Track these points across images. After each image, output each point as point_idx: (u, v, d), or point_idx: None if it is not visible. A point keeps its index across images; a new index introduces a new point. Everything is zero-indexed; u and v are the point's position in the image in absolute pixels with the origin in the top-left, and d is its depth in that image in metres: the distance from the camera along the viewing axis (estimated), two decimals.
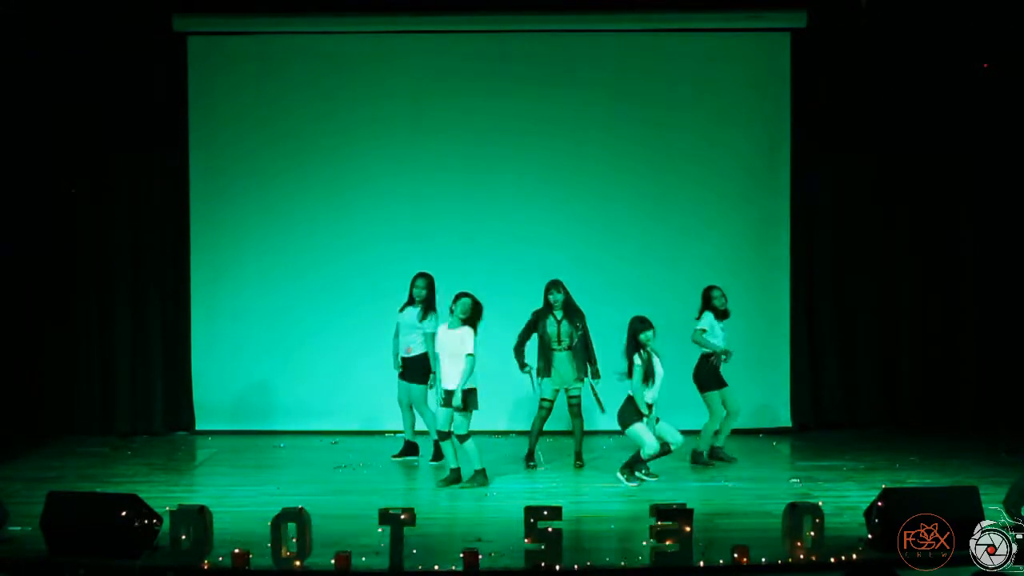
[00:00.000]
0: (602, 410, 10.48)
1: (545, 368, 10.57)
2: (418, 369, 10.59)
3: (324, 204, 12.46)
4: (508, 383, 11.35)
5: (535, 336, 10.66)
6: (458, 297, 9.79)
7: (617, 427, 11.51)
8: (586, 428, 10.81)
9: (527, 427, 11.06)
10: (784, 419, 12.43)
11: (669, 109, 12.44)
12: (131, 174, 12.35)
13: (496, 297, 12.08)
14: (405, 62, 12.41)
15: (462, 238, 12.40)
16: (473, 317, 9.71)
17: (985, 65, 12.21)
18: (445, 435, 9.51)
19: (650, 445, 9.62)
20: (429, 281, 10.75)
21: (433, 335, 10.30)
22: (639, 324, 9.87)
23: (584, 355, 10.52)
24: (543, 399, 10.61)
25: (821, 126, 12.42)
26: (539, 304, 10.72)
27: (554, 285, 10.58)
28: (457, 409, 9.58)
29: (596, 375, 10.51)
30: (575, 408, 10.61)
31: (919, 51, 12.29)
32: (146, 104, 12.24)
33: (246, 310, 12.45)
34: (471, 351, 9.63)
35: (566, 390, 10.59)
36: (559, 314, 10.54)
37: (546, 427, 10.76)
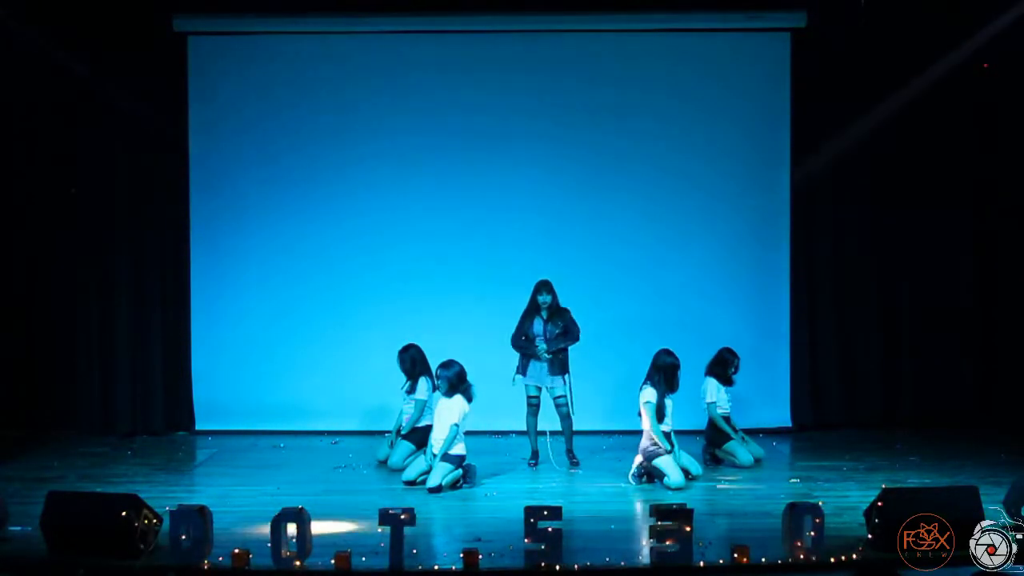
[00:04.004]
0: (572, 410, 10.54)
1: (522, 367, 10.57)
2: (416, 438, 10.58)
3: (324, 204, 12.46)
4: (509, 383, 11.34)
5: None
6: (443, 366, 9.94)
7: (616, 427, 11.64)
8: (587, 428, 10.79)
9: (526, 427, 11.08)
10: (784, 419, 12.43)
11: (668, 109, 12.43)
12: (131, 174, 12.33)
13: (493, 297, 12.17)
14: (409, 62, 12.39)
15: (462, 238, 12.40)
16: (458, 385, 9.84)
17: (985, 65, 12.21)
18: (436, 489, 9.56)
19: (676, 480, 9.60)
20: (411, 354, 10.71)
21: (424, 403, 10.49)
22: (670, 359, 9.89)
23: (562, 358, 10.50)
24: (529, 397, 10.62)
25: (821, 126, 12.41)
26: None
27: (543, 286, 10.57)
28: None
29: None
30: (561, 408, 10.59)
31: (918, 50, 12.29)
32: (146, 104, 12.23)
33: (246, 310, 12.45)
34: (455, 421, 9.73)
35: (549, 389, 10.58)
36: (544, 315, 10.53)
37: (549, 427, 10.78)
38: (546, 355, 10.41)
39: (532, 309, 10.57)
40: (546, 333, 10.49)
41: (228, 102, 12.43)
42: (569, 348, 10.53)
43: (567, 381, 10.53)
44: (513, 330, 10.62)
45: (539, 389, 10.60)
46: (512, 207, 12.40)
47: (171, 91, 12.33)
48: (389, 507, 7.42)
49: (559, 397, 10.55)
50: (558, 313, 10.52)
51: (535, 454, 10.68)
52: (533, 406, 10.62)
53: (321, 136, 12.44)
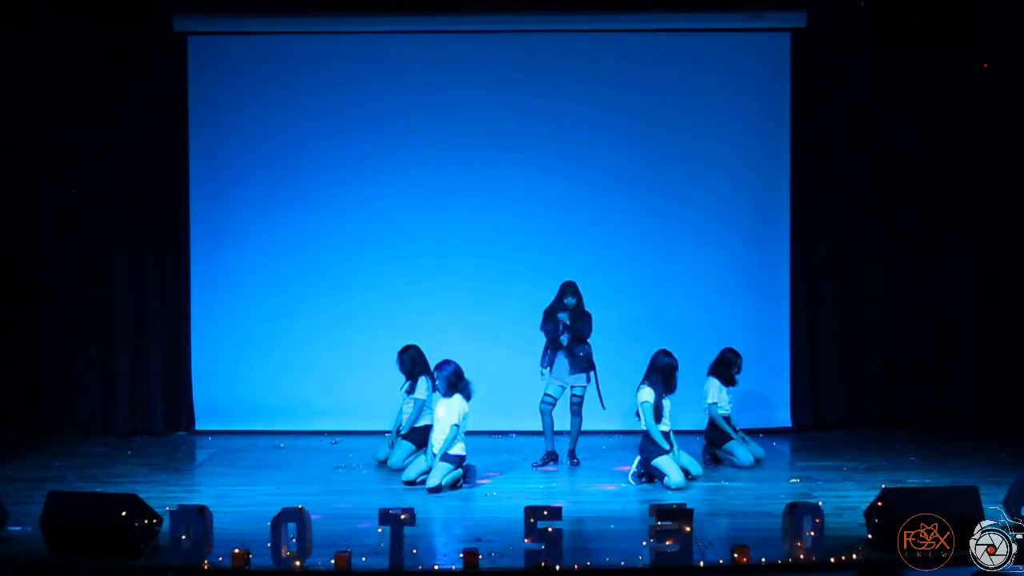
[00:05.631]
0: (603, 406, 10.52)
1: (549, 361, 10.57)
2: (416, 437, 10.58)
3: (325, 203, 12.46)
4: (509, 383, 11.36)
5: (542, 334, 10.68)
6: (439, 366, 9.93)
7: (616, 427, 11.63)
8: (587, 428, 10.80)
9: (528, 427, 11.08)
10: (784, 419, 12.42)
11: (668, 109, 12.43)
12: (131, 174, 12.33)
13: (493, 297, 12.19)
14: (409, 62, 12.38)
15: (463, 238, 12.40)
16: (457, 384, 9.82)
17: (985, 65, 12.22)
18: (436, 489, 9.56)
19: (676, 480, 9.59)
20: (411, 354, 10.70)
21: (423, 403, 10.49)
22: (668, 359, 9.88)
23: (584, 354, 10.52)
24: (546, 394, 10.62)
25: (821, 126, 12.42)
26: (540, 301, 10.73)
27: (569, 288, 10.55)
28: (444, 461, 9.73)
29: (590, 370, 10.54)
30: (576, 407, 10.61)
31: (918, 49, 12.30)
32: (146, 104, 12.23)
33: (246, 310, 12.45)
34: (455, 421, 9.73)
35: (571, 387, 10.59)
36: (567, 316, 10.52)
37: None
38: (565, 331, 10.41)
39: (557, 308, 10.57)
40: (563, 332, 10.49)
41: (228, 102, 12.42)
42: (591, 345, 10.55)
43: (591, 378, 10.53)
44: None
45: (562, 389, 10.60)
46: (512, 207, 12.39)
47: (171, 91, 12.33)
48: (389, 507, 7.42)
49: (575, 396, 10.56)
50: (582, 315, 10.52)
51: (550, 456, 10.62)
52: (549, 404, 10.60)
53: (321, 136, 12.44)
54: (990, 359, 12.50)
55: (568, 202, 12.41)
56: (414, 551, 7.47)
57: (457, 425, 9.73)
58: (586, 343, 10.54)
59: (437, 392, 10.03)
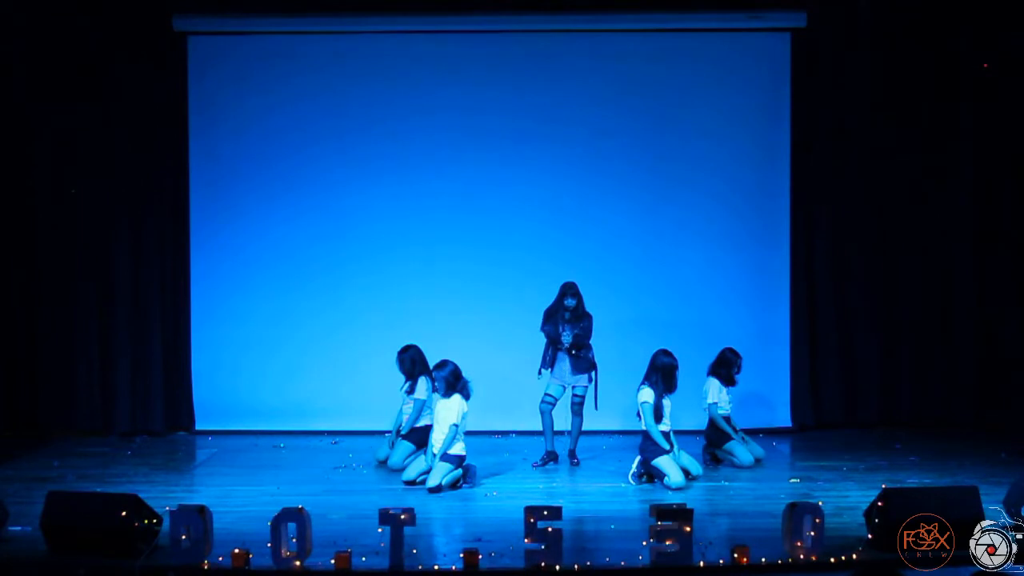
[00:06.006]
0: (595, 407, 10.54)
1: (550, 362, 10.58)
2: (416, 438, 10.57)
3: (325, 204, 12.45)
4: (509, 383, 11.36)
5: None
6: (437, 367, 9.93)
7: (616, 427, 11.64)
8: (587, 428, 10.80)
9: (528, 427, 11.04)
10: (784, 419, 12.43)
11: (668, 109, 12.43)
12: (131, 174, 12.32)
13: (493, 298, 12.19)
14: (410, 62, 12.38)
15: (463, 238, 12.40)
16: (455, 384, 9.82)
17: (985, 65, 12.22)
18: (436, 489, 9.57)
19: (676, 480, 9.59)
20: (411, 355, 10.70)
21: (423, 403, 10.50)
22: (668, 359, 9.88)
23: (586, 354, 10.52)
24: (546, 394, 10.62)
25: (821, 126, 12.41)
26: (540, 302, 10.73)
27: (569, 290, 10.55)
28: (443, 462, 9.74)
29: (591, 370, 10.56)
30: (577, 407, 10.62)
31: (918, 50, 12.30)
32: (146, 104, 12.23)
33: (246, 310, 12.45)
34: (455, 421, 9.72)
35: (572, 387, 10.60)
36: (568, 315, 10.53)
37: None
38: (566, 345, 10.43)
39: (557, 309, 10.57)
40: (564, 333, 10.49)
41: (228, 102, 12.41)
42: (593, 345, 10.56)
43: (593, 378, 10.55)
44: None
45: (563, 389, 10.60)
46: (513, 208, 12.39)
47: (171, 91, 12.33)
48: (389, 507, 7.43)
49: (577, 396, 10.57)
50: (582, 316, 10.54)
51: (550, 455, 10.64)
52: (549, 404, 10.61)
53: (321, 136, 12.43)
54: (990, 359, 12.50)
55: (568, 203, 12.41)
56: (414, 551, 7.48)
57: (456, 425, 9.73)
58: (590, 347, 10.56)
59: (437, 392, 10.04)
